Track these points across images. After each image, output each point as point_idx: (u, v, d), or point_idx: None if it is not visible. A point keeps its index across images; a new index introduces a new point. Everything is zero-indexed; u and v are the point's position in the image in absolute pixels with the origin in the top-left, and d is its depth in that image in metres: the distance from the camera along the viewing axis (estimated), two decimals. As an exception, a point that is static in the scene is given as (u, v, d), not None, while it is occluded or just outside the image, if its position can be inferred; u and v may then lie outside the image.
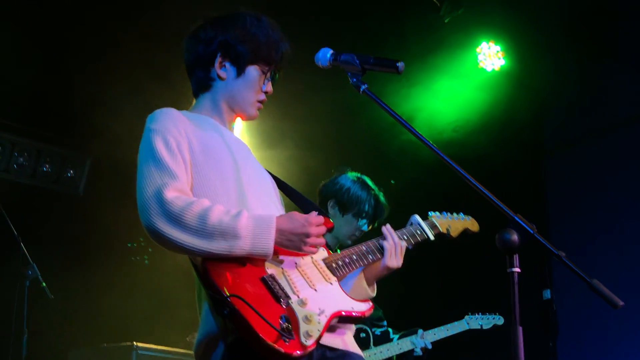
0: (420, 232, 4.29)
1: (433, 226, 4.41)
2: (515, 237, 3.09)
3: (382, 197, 6.08)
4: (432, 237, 4.33)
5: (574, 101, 8.94)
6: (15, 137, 8.49)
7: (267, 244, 3.42)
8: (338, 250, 3.92)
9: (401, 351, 6.55)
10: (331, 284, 3.69)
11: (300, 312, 3.39)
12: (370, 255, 3.99)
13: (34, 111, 8.43)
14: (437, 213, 4.57)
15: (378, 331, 6.58)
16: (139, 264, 8.43)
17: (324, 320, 3.46)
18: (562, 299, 8.42)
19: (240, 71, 3.93)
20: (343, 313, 3.59)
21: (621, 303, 2.95)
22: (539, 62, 8.89)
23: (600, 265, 7.83)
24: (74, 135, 8.79)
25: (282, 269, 3.56)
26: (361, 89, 3.61)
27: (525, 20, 8.68)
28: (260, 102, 4.01)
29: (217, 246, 3.36)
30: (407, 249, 4.16)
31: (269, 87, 4.01)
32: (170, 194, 3.41)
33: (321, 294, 3.59)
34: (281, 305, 3.38)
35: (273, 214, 3.61)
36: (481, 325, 7.00)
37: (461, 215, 4.73)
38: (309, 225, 3.52)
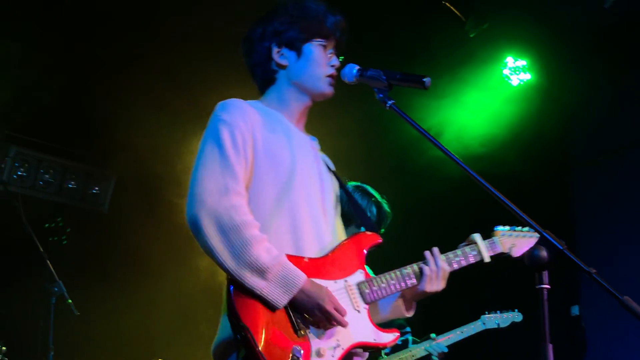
0: (477, 253, 4.10)
1: (493, 245, 4.18)
2: (544, 253, 3.06)
3: (384, 204, 6.00)
4: (487, 259, 4.12)
5: (601, 115, 8.87)
6: (41, 154, 8.52)
7: (283, 297, 3.43)
8: (369, 271, 3.88)
9: (414, 358, 6.46)
10: (359, 311, 3.67)
11: (314, 345, 3.44)
12: (408, 280, 3.87)
13: (59, 128, 8.46)
14: (504, 229, 4.32)
15: (398, 340, 6.50)
16: (162, 281, 8.41)
17: (338, 353, 3.50)
18: (590, 315, 8.34)
19: (298, 52, 3.89)
20: (362, 344, 3.62)
21: (653, 319, 2.91)
22: (565, 76, 8.83)
23: (629, 281, 7.75)
24: (99, 152, 8.82)
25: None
26: (387, 105, 3.58)
27: (551, 34, 8.63)
28: (330, 76, 3.91)
29: (244, 274, 3.39)
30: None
31: (334, 61, 3.93)
32: (232, 200, 3.44)
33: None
34: (297, 335, 3.42)
35: (320, 228, 3.70)
36: (498, 324, 6.86)
37: (529, 232, 4.38)
38: (327, 302, 3.48)
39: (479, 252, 4.09)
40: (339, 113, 7.47)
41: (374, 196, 6.01)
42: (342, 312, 3.52)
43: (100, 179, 9.00)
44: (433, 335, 6.55)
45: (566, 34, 8.49)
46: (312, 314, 3.48)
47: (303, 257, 3.59)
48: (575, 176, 9.22)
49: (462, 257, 4.04)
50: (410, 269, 3.90)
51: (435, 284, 3.90)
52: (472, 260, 4.08)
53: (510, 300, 6.86)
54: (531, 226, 3.15)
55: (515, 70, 8.99)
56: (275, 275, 3.40)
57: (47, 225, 8.24)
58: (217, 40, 7.92)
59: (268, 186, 3.64)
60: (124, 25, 7.83)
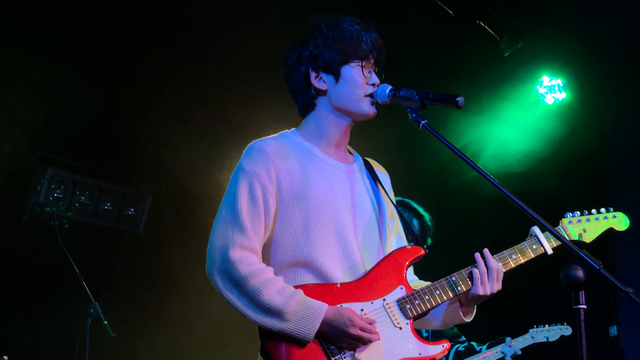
0: (537, 246, 3.93)
1: (557, 235, 3.87)
2: (580, 273, 3.03)
3: (427, 218, 5.97)
4: (549, 251, 3.93)
5: (638, 134, 8.80)
6: (76, 176, 8.57)
7: (309, 333, 3.47)
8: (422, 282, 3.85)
9: None
10: (400, 328, 3.65)
11: None
12: (456, 287, 3.78)
13: (94, 150, 8.52)
14: (573, 215, 4.20)
15: (461, 347, 6.44)
16: (196, 302, 8.41)
17: None
18: (628, 336, 8.25)
19: (336, 76, 3.83)
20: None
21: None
22: (602, 94, 8.78)
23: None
24: (134, 173, 8.86)
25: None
26: (421, 125, 3.55)
27: (586, 53, 8.58)
28: (370, 95, 3.84)
29: (263, 320, 3.49)
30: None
31: (374, 79, 3.86)
32: (235, 254, 3.53)
33: (386, 342, 3.58)
34: None
35: (354, 262, 3.71)
36: (547, 338, 6.76)
37: (603, 213, 4.30)
38: (351, 326, 3.48)
39: (540, 245, 3.94)
40: (376, 132, 7.47)
41: (415, 209, 6.01)
42: (371, 330, 3.51)
43: (136, 200, 9.03)
44: (508, 339, 6.48)
45: (600, 51, 8.45)
46: (341, 341, 3.50)
47: (335, 284, 3.61)
48: (614, 194, 9.15)
49: (519, 253, 3.91)
50: (458, 276, 3.81)
51: (487, 286, 3.77)
52: (532, 255, 3.92)
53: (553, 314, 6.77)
54: (567, 246, 3.11)
55: (551, 89, 8.95)
56: (294, 313, 3.45)
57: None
58: (249, 58, 7.97)
59: (297, 225, 3.68)
60: (154, 43, 7.88)
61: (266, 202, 3.65)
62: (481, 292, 3.76)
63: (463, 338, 6.56)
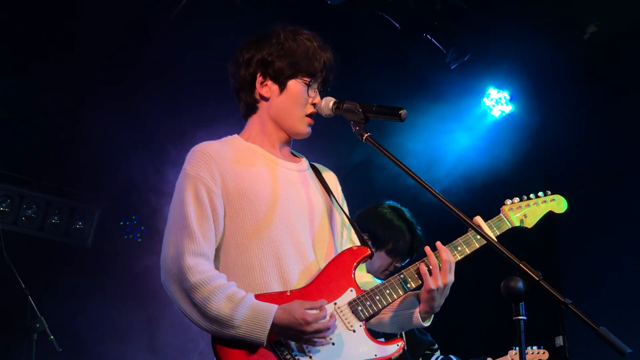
0: (462, 247, 3.92)
1: (499, 223, 4.09)
2: (520, 284, 3.06)
3: (419, 231, 5.91)
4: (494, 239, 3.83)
5: (583, 146, 8.91)
6: (23, 190, 8.48)
7: (260, 336, 3.45)
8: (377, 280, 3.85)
9: None
10: (354, 331, 3.66)
11: None
12: (406, 284, 3.79)
13: (41, 163, 8.43)
14: (513, 201, 4.24)
15: (440, 357, 6.37)
16: (145, 316, 8.36)
17: None
18: (575, 346, 8.32)
19: (282, 87, 3.86)
20: None
21: (629, 350, 2.90)
22: (547, 107, 8.89)
23: (613, 312, 7.75)
24: (82, 186, 8.79)
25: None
26: (364, 137, 3.58)
27: (532, 66, 8.68)
28: (309, 116, 3.89)
29: (213, 328, 3.49)
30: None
31: (316, 98, 3.89)
32: (187, 262, 3.52)
33: (338, 347, 3.59)
34: None
35: (307, 256, 3.73)
36: None
37: (542, 197, 4.34)
38: (305, 324, 3.45)
39: (466, 245, 3.94)
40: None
41: (411, 222, 5.93)
42: (326, 322, 3.50)
43: (84, 213, 8.95)
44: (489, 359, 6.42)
45: (546, 65, 8.55)
46: (298, 340, 3.50)
47: (285, 292, 3.61)
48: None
49: (464, 245, 3.92)
50: (406, 273, 3.82)
51: (438, 278, 3.72)
52: (476, 245, 3.93)
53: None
54: (508, 257, 3.14)
55: (498, 102, 9.04)
56: (244, 319, 3.44)
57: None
58: (201, 70, 7.96)
59: (247, 224, 3.69)
60: (102, 55, 7.83)
61: (213, 205, 3.65)
62: (432, 285, 3.71)
63: (437, 346, 6.50)
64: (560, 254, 9.02)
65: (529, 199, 4.34)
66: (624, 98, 8.51)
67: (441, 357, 6.42)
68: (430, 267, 3.76)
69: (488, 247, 3.31)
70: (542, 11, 8.15)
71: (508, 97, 9.02)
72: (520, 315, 3.06)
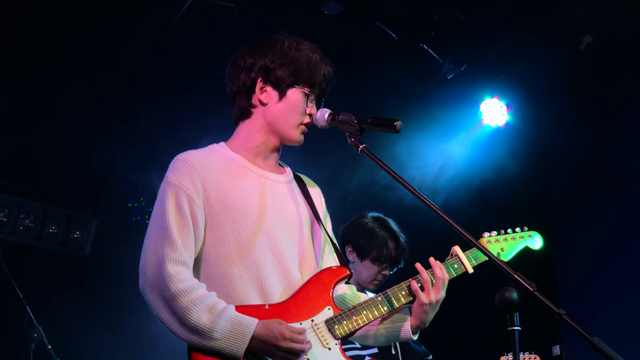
0: (458, 265, 4.07)
1: (478, 255, 4.12)
2: (514, 295, 3.07)
3: (402, 239, 5.94)
4: (470, 271, 4.07)
5: (579, 155, 8.94)
6: (21, 199, 8.48)
7: (238, 350, 3.47)
8: (366, 293, 3.87)
9: None
10: (329, 349, 3.66)
11: None
12: (389, 304, 3.88)
13: (39, 173, 8.44)
14: (491, 234, 4.35)
15: None
16: (143, 326, 8.35)
17: None
18: (572, 356, 8.33)
19: (282, 95, 3.86)
20: None
21: (622, 361, 2.92)
22: (544, 117, 8.91)
23: (610, 322, 7.77)
24: (80, 196, 8.80)
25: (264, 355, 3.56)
26: (359, 149, 3.60)
27: (528, 76, 8.71)
28: (305, 125, 3.91)
29: (192, 339, 3.49)
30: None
31: (312, 109, 3.90)
32: (168, 270, 3.51)
33: None
34: None
35: (289, 269, 3.72)
36: None
37: (519, 232, 4.43)
38: (281, 339, 3.48)
39: (461, 265, 4.07)
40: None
41: (393, 231, 5.95)
42: (302, 340, 3.53)
43: (82, 223, 8.93)
44: None
45: (542, 74, 8.57)
46: (273, 355, 3.51)
47: (263, 306, 3.62)
48: (556, 215, 9.26)
49: (447, 270, 3.99)
50: (391, 292, 3.91)
51: (431, 293, 3.86)
52: (454, 274, 4.03)
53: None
54: (503, 269, 3.16)
55: (494, 112, 9.06)
56: (224, 331, 3.46)
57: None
58: (200, 78, 7.98)
59: (228, 236, 3.69)
60: (99, 65, 7.86)
61: (194, 214, 3.64)
62: (425, 300, 3.83)
63: (430, 357, 6.51)
64: (557, 264, 9.04)
65: (506, 232, 4.41)
66: (620, 107, 8.54)
67: None
68: (423, 283, 3.88)
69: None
70: (538, 21, 8.19)
71: (505, 107, 9.03)
72: (515, 326, 3.07)
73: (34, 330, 6.90)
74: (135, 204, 8.95)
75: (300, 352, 3.52)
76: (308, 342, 3.57)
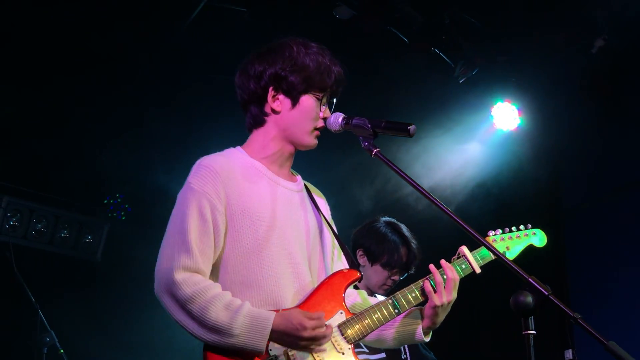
0: (466, 265, 4.10)
1: (485, 254, 4.16)
2: (529, 299, 3.06)
3: (414, 245, 5.93)
4: (478, 271, 4.10)
5: (591, 160, 8.91)
6: (33, 204, 8.50)
7: (260, 344, 3.46)
8: (376, 296, 3.86)
9: None
10: (343, 353, 3.67)
11: None
12: (399, 307, 3.90)
13: (51, 178, 8.46)
14: (496, 232, 4.39)
15: None
16: (155, 330, 8.35)
17: None
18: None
19: (294, 102, 3.85)
20: None
21: (638, 364, 2.91)
22: (556, 121, 8.88)
23: (623, 325, 7.74)
24: (92, 200, 8.82)
25: (286, 347, 3.56)
26: (373, 153, 3.59)
27: (540, 79, 8.68)
28: (318, 129, 3.91)
29: (213, 338, 3.47)
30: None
31: (326, 112, 3.90)
32: (179, 276, 3.50)
33: None
34: None
35: (304, 282, 3.73)
36: None
37: (523, 230, 4.46)
38: (302, 330, 3.49)
39: (468, 265, 4.10)
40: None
41: (405, 236, 5.94)
42: (323, 325, 3.54)
43: (93, 228, 8.96)
44: None
45: (554, 78, 8.55)
46: (295, 346, 3.52)
47: (277, 311, 3.60)
48: (567, 219, 9.23)
49: (456, 273, 4.02)
50: (401, 294, 3.93)
51: (443, 295, 3.90)
52: (462, 274, 4.06)
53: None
54: (516, 272, 3.15)
55: (505, 115, 9.03)
56: (243, 327, 3.45)
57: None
58: (212, 88, 7.99)
59: (246, 243, 3.68)
60: (111, 71, 7.87)
61: (215, 222, 3.64)
62: (437, 302, 3.87)
63: None
64: (568, 268, 9.01)
65: (511, 230, 4.44)
66: (631, 111, 8.51)
67: None
68: (435, 285, 3.90)
69: (496, 261, 3.30)
70: (550, 25, 8.16)
71: (516, 111, 9.00)
72: (530, 330, 3.06)
73: (46, 334, 6.92)
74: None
75: (322, 338, 3.53)
76: (329, 326, 3.58)
